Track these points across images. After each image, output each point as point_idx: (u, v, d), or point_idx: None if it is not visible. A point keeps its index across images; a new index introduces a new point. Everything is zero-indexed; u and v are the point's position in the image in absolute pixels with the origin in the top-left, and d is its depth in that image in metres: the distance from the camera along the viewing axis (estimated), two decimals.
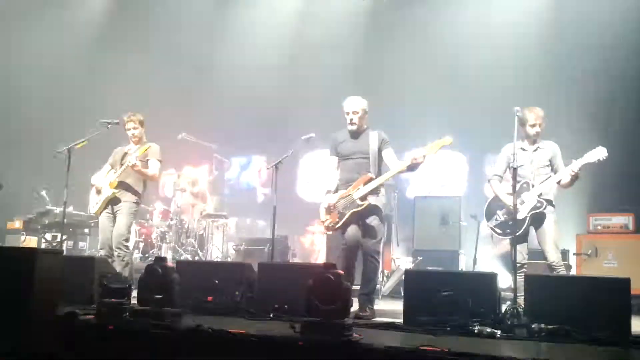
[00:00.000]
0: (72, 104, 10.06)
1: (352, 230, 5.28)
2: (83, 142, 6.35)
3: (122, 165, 6.22)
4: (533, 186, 5.46)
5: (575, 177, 5.35)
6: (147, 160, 6.29)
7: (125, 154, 6.34)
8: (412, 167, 5.21)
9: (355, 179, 5.32)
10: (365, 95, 9.66)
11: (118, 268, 5.93)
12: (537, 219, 5.45)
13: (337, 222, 5.28)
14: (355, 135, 5.49)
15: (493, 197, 5.78)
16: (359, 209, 5.20)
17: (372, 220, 5.28)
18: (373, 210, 5.28)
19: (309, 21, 10.27)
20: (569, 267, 6.86)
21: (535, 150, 5.59)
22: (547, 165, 5.55)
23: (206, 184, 9.75)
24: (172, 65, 10.66)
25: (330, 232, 5.58)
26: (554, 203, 5.49)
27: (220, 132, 10.31)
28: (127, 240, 6.22)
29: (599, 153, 5.28)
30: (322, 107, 9.44)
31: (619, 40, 8.08)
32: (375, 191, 5.30)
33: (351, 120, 5.45)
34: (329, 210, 5.36)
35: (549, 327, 3.96)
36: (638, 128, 7.89)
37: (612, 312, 4.02)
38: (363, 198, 5.22)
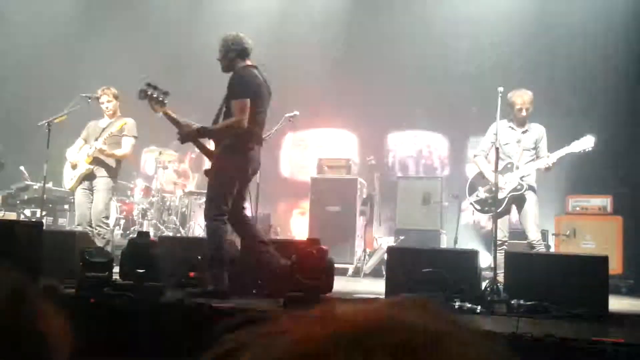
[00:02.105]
0: (52, 78, 9.86)
1: None
2: (63, 116, 6.27)
3: (96, 140, 6.16)
4: (517, 167, 5.51)
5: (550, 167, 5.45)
6: (123, 135, 6.23)
7: (103, 129, 6.28)
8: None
9: None
10: (349, 75, 9.60)
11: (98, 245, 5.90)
12: (518, 200, 5.52)
13: None
14: None
15: (476, 173, 5.83)
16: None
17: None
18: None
19: None
20: (547, 247, 6.97)
21: (524, 132, 5.62)
22: (533, 148, 5.61)
23: (189, 161, 9.67)
24: (156, 42, 10.49)
25: None
26: (535, 187, 5.56)
27: (203, 110, 10.20)
28: (106, 217, 6.23)
29: (585, 143, 5.31)
30: (307, 85, 9.39)
31: (604, 25, 8.12)
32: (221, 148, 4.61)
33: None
34: None
35: (528, 303, 4.03)
36: (618, 111, 7.98)
37: (590, 289, 4.10)
38: None
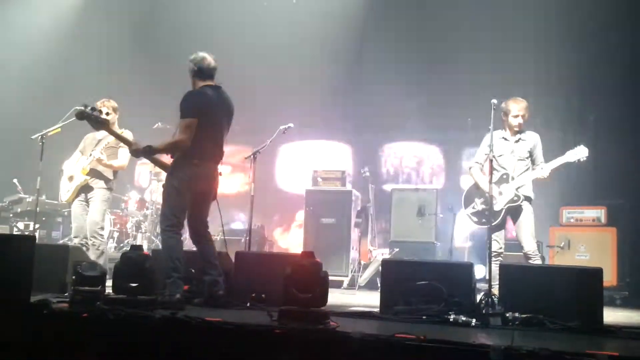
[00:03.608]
0: (46, 90, 9.85)
1: None
2: (57, 129, 6.24)
3: (94, 150, 6.15)
4: (513, 178, 5.52)
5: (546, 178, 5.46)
6: (119, 147, 6.21)
7: (99, 141, 6.26)
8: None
9: None
10: (343, 86, 9.58)
11: (93, 257, 5.89)
12: (514, 211, 5.52)
13: None
14: None
15: (472, 184, 5.83)
16: None
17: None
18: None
19: (289, 11, 10.19)
20: (542, 259, 6.96)
21: (517, 142, 5.64)
22: (527, 157, 5.62)
23: None
24: (150, 54, 10.50)
25: None
26: (531, 197, 5.56)
27: None
28: (102, 228, 6.21)
29: (580, 153, 5.34)
30: (301, 97, 9.40)
31: (598, 36, 8.16)
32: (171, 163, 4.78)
33: None
34: None
35: (523, 315, 4.01)
36: (612, 122, 8.02)
37: (585, 302, 4.09)
38: None
